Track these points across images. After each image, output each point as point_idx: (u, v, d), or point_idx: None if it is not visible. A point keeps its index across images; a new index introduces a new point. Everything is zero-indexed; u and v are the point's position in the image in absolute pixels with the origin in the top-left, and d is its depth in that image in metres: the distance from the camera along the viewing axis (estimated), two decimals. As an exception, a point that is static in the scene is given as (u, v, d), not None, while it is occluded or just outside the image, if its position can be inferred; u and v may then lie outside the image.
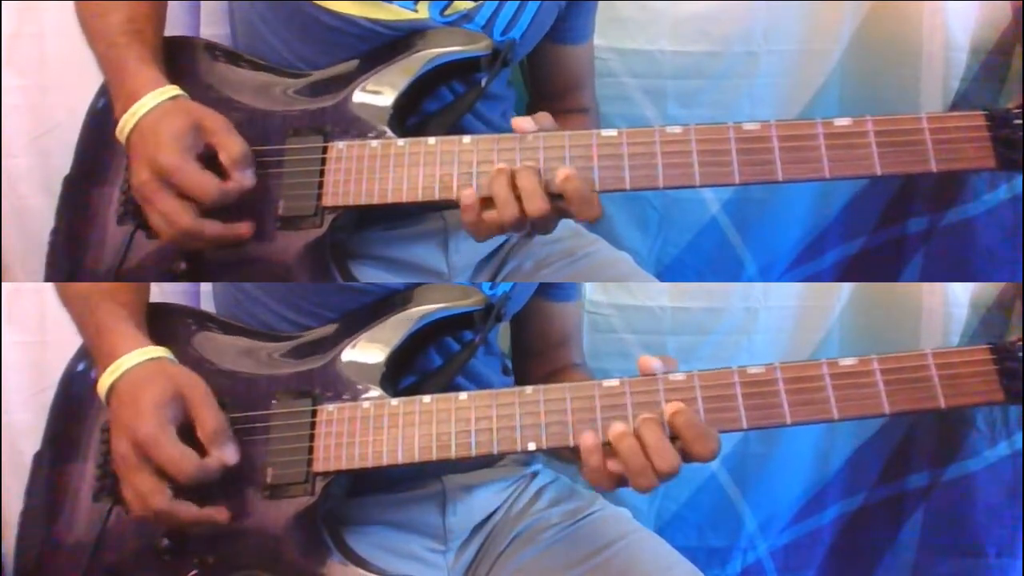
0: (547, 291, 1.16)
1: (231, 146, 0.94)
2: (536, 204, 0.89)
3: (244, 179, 0.94)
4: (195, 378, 0.94)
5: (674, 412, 0.86)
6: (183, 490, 0.89)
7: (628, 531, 1.04)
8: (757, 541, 1.55)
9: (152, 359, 0.94)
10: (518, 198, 0.90)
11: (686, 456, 0.85)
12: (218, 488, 0.92)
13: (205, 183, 0.92)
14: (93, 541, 0.95)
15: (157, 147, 0.92)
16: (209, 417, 0.92)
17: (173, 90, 0.96)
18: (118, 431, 0.91)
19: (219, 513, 0.91)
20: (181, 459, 0.89)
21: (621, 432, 0.86)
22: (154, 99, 0.95)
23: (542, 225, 0.92)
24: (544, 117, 0.94)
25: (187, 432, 0.91)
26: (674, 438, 0.85)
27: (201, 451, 0.91)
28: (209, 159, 0.94)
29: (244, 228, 0.95)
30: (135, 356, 0.94)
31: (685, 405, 0.86)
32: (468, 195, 0.91)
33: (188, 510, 0.90)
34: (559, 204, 0.90)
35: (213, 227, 0.94)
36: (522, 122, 0.93)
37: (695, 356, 1.46)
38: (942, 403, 0.84)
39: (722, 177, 0.88)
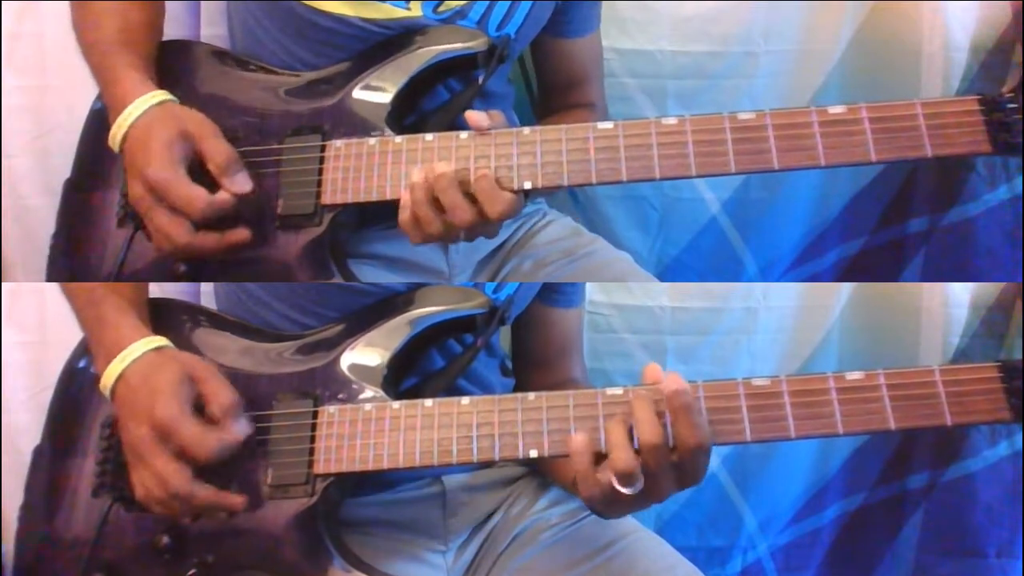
0: (549, 297, 1.16)
1: (217, 153, 0.94)
2: (462, 216, 0.90)
3: (234, 186, 0.94)
4: (201, 360, 0.95)
5: (673, 392, 0.84)
6: (201, 473, 0.90)
7: (628, 531, 1.04)
8: (757, 541, 1.55)
9: (157, 348, 0.94)
10: (441, 211, 0.90)
11: (681, 446, 0.83)
12: (218, 486, 0.92)
13: (193, 198, 0.92)
14: (92, 537, 0.95)
15: (147, 161, 0.93)
16: (221, 391, 0.92)
17: (160, 95, 0.96)
18: (132, 417, 0.91)
19: (235, 499, 0.91)
20: (203, 438, 0.89)
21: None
22: (141, 106, 0.95)
23: (478, 232, 0.92)
24: (497, 116, 0.94)
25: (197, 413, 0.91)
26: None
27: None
28: (202, 165, 0.94)
29: (241, 235, 0.95)
30: (142, 345, 0.94)
31: (687, 387, 0.85)
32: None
33: (207, 492, 0.90)
34: (477, 207, 0.91)
35: (209, 240, 0.94)
36: (476, 116, 0.93)
37: (695, 356, 1.46)
38: (948, 420, 0.84)
39: (718, 167, 0.88)
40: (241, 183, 0.95)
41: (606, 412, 0.87)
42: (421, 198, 0.90)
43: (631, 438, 0.84)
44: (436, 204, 0.91)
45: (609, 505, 0.87)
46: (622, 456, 0.83)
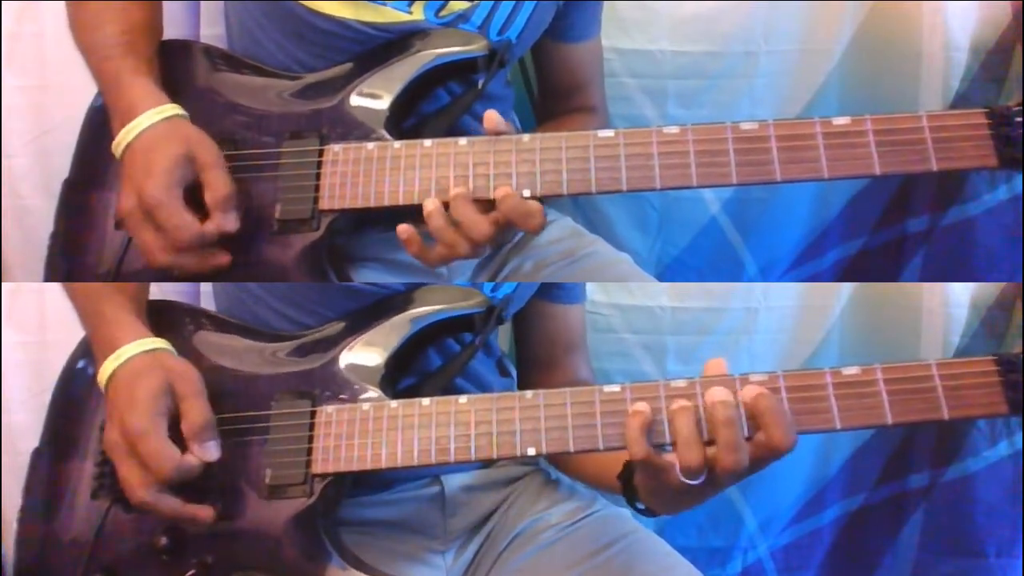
0: (550, 293, 1.16)
1: (217, 187, 0.93)
2: (480, 231, 0.89)
3: (225, 223, 0.93)
4: (189, 371, 0.94)
5: (757, 395, 0.83)
6: (173, 484, 0.90)
7: (628, 531, 1.04)
8: (757, 541, 1.55)
9: (151, 350, 0.94)
10: (459, 231, 0.90)
11: (765, 447, 0.82)
12: (216, 488, 0.92)
13: (183, 226, 0.91)
14: (91, 539, 0.95)
15: (146, 177, 0.91)
16: (194, 411, 0.91)
17: (170, 109, 0.95)
18: (112, 419, 0.91)
19: (203, 512, 0.91)
20: (161, 457, 0.88)
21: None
22: (150, 118, 0.94)
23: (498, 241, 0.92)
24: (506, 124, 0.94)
25: (179, 425, 0.91)
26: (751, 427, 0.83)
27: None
28: (197, 191, 0.93)
29: (222, 258, 0.95)
30: (136, 346, 0.94)
31: (766, 390, 0.83)
32: (404, 229, 0.91)
33: (171, 504, 0.89)
34: (498, 215, 0.90)
35: (189, 262, 0.93)
36: (496, 118, 0.92)
37: (695, 356, 1.46)
38: (945, 414, 0.84)
39: (719, 178, 0.88)
40: (232, 222, 0.93)
41: (603, 409, 0.88)
42: (441, 224, 0.90)
43: (700, 431, 0.83)
44: (456, 226, 0.90)
45: (662, 495, 0.86)
46: (691, 453, 0.82)
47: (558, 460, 1.12)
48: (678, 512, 0.91)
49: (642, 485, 0.89)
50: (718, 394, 0.84)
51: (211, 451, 0.91)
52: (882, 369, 0.85)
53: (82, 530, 0.97)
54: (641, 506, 0.91)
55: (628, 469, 0.91)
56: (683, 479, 0.82)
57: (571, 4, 1.13)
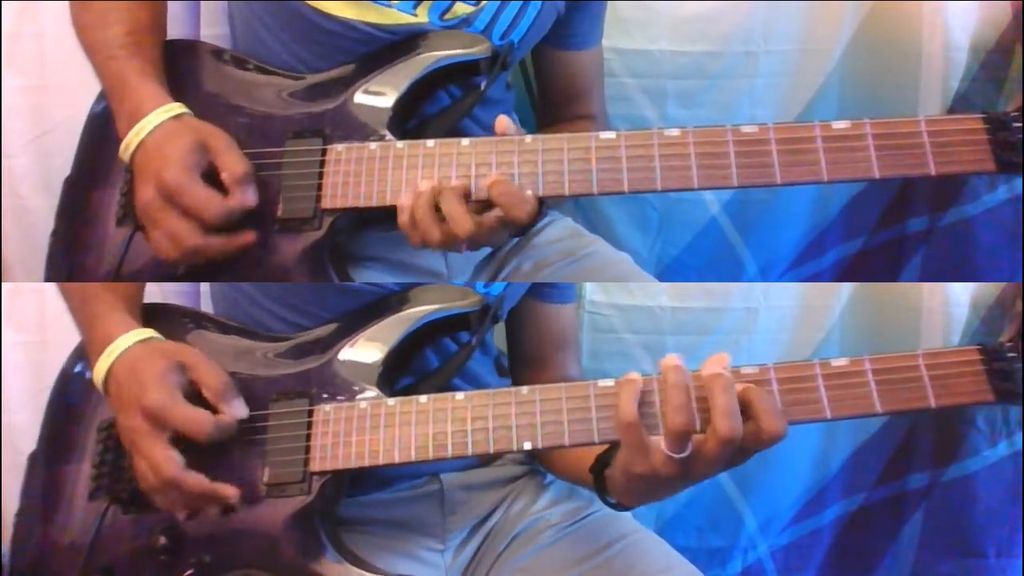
0: (542, 293, 1.16)
1: (233, 165, 0.94)
2: (463, 226, 0.89)
3: (246, 196, 0.94)
4: (188, 346, 0.95)
5: (744, 388, 0.84)
6: (193, 463, 0.90)
7: (628, 531, 1.04)
8: (757, 541, 1.55)
9: (143, 340, 0.95)
10: (442, 220, 0.90)
11: (755, 435, 0.82)
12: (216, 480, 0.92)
13: (210, 201, 0.92)
14: (89, 541, 0.95)
15: (162, 166, 0.92)
16: (213, 376, 0.93)
17: (177, 108, 0.96)
18: (124, 408, 0.92)
19: (227, 489, 0.91)
20: (195, 420, 0.90)
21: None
22: (158, 117, 0.95)
23: (482, 242, 0.92)
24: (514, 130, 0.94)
25: (192, 399, 0.92)
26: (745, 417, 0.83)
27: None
28: (212, 177, 0.94)
29: (247, 237, 0.95)
30: (128, 339, 0.95)
31: (752, 383, 0.84)
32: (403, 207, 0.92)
33: (198, 480, 0.90)
34: (492, 215, 0.90)
35: (218, 242, 0.94)
36: (506, 122, 0.92)
37: (695, 356, 1.44)
38: (932, 402, 0.85)
39: (720, 180, 0.88)
40: (252, 196, 0.94)
41: (598, 404, 0.88)
42: (424, 209, 0.90)
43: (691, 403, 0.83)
44: (438, 214, 0.90)
45: (643, 482, 0.86)
46: (680, 417, 0.81)
47: (539, 454, 1.12)
48: (646, 504, 0.91)
49: (616, 473, 0.88)
50: (714, 367, 0.85)
51: (240, 409, 0.93)
52: (870, 360, 0.86)
53: (79, 532, 0.97)
54: (612, 500, 0.91)
55: (600, 462, 0.91)
56: (667, 452, 0.82)
57: (572, 11, 1.13)
